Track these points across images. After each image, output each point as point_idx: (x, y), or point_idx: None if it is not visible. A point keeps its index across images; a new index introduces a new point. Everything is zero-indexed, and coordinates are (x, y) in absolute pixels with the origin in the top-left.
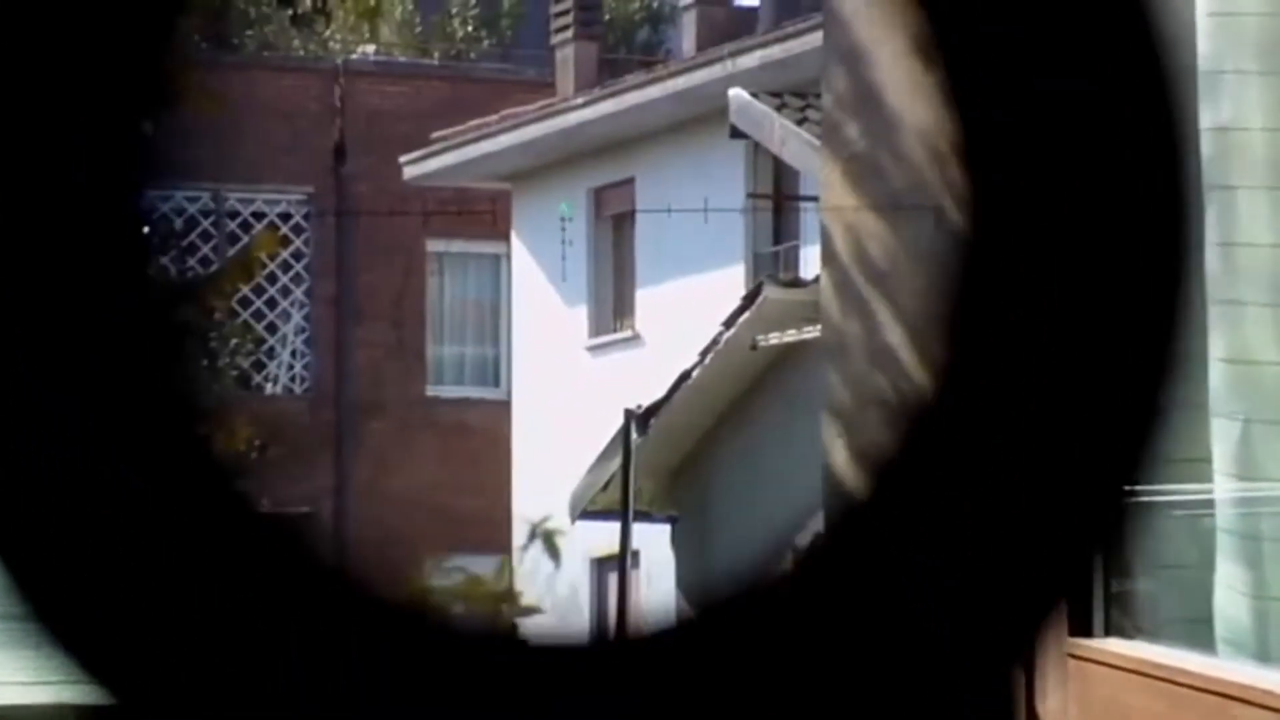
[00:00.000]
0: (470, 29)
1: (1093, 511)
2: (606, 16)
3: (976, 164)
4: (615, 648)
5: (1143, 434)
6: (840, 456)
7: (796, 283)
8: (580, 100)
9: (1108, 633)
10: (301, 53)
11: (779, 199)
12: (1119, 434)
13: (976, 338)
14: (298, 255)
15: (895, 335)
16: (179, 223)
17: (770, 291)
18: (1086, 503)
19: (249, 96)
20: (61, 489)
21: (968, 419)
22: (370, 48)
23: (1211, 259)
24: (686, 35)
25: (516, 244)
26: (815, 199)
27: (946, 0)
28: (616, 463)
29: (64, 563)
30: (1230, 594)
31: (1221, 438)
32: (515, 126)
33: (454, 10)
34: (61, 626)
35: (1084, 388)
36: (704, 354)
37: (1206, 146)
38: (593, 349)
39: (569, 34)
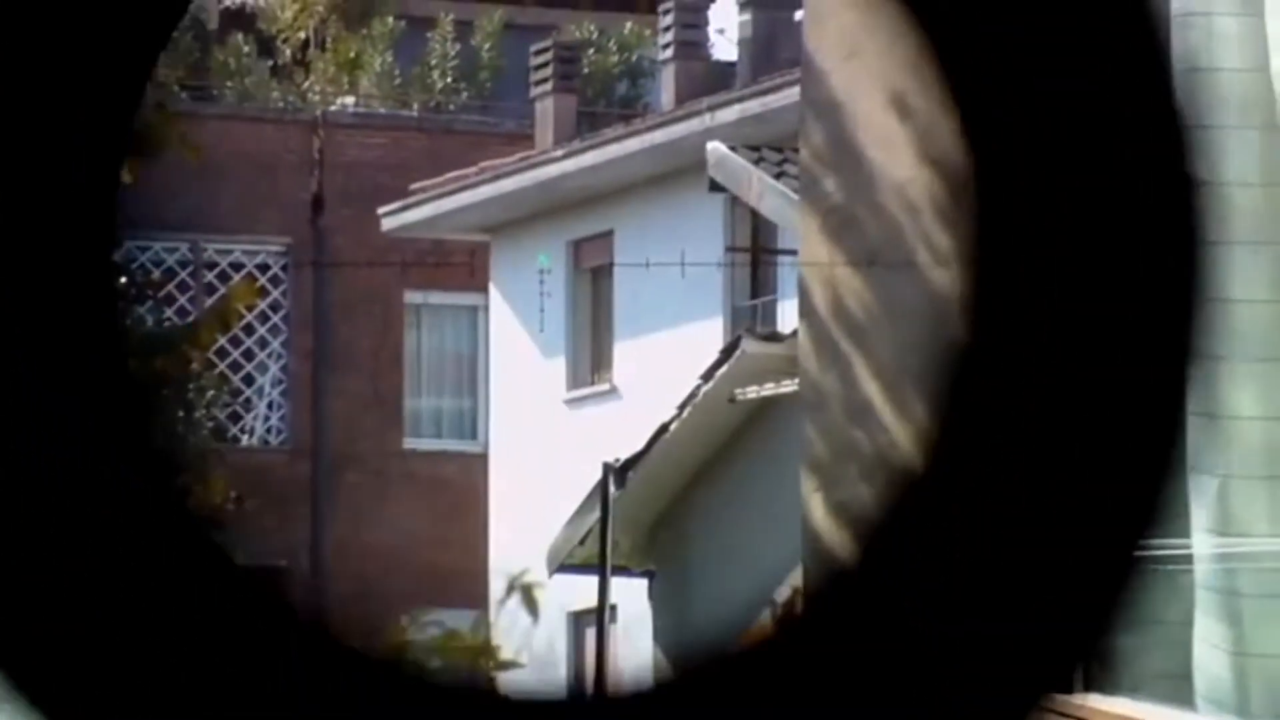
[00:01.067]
0: (449, 81)
1: (1106, 571)
2: (585, 70)
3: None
4: (593, 705)
5: (1155, 488)
6: (818, 511)
7: (774, 336)
8: (559, 153)
9: (1088, 688)
10: (281, 104)
11: (757, 252)
12: (1133, 487)
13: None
14: (275, 306)
15: (873, 389)
16: (156, 273)
17: (748, 345)
18: (1098, 563)
19: (228, 147)
20: (62, 491)
21: (959, 479)
22: (349, 99)
23: None
24: (665, 89)
25: (494, 296)
26: (793, 252)
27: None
28: (594, 516)
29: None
30: (1209, 650)
31: (1200, 493)
32: (494, 178)
33: (433, 62)
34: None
35: (1094, 447)
36: (682, 407)
37: None
38: (571, 402)
39: (548, 86)
